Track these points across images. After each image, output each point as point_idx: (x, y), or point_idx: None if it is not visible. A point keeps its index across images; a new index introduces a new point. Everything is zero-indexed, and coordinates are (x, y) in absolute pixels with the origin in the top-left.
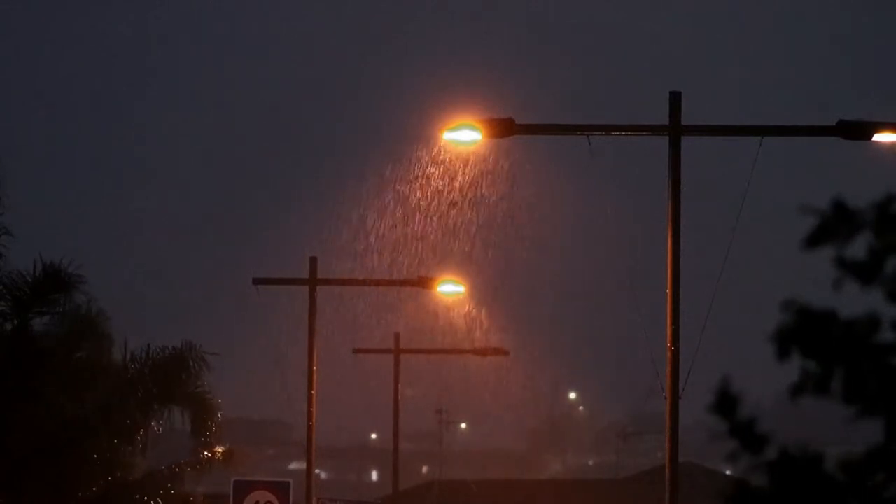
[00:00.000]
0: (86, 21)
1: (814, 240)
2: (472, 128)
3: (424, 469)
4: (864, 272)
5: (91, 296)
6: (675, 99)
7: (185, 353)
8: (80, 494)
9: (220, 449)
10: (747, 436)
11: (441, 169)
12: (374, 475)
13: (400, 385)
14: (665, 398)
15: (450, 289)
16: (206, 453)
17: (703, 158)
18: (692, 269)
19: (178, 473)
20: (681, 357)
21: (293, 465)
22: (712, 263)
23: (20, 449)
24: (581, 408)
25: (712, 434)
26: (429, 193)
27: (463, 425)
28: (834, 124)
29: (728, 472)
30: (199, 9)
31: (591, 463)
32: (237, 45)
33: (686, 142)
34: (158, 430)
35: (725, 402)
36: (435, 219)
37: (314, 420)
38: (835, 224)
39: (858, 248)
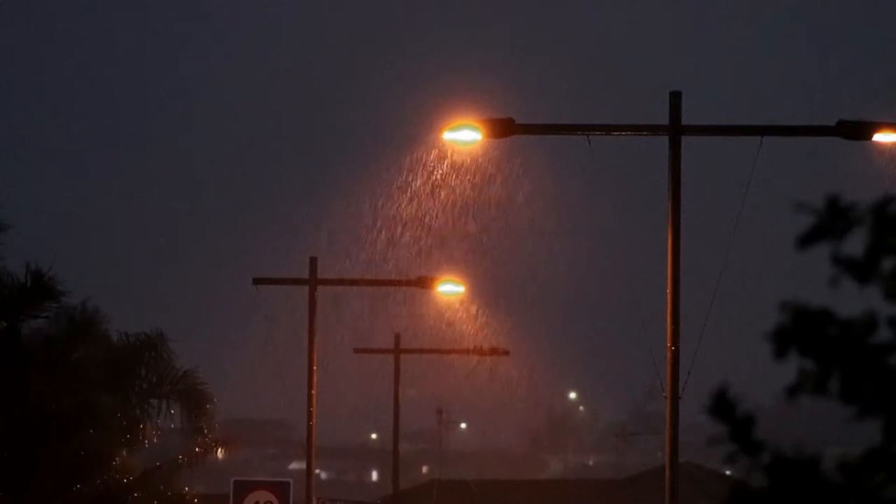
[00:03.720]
0: (88, 19)
1: (807, 238)
2: (473, 128)
3: (424, 469)
4: (862, 270)
5: (86, 299)
6: (675, 99)
7: (154, 339)
8: (72, 493)
9: (206, 426)
10: (745, 440)
11: (441, 169)
12: (374, 475)
13: (400, 385)
14: (665, 398)
15: (450, 289)
16: (199, 448)
17: (703, 158)
18: (692, 269)
19: (174, 470)
20: (681, 357)
21: (293, 465)
22: (713, 263)
23: (9, 448)
24: (581, 408)
25: (710, 439)
26: (429, 194)
27: (463, 425)
28: (834, 124)
29: (728, 473)
30: (199, 11)
31: (591, 463)
32: (238, 45)
33: (686, 142)
34: (155, 431)
35: (722, 407)
36: (435, 219)
37: (314, 420)
38: (829, 222)
39: (855, 245)
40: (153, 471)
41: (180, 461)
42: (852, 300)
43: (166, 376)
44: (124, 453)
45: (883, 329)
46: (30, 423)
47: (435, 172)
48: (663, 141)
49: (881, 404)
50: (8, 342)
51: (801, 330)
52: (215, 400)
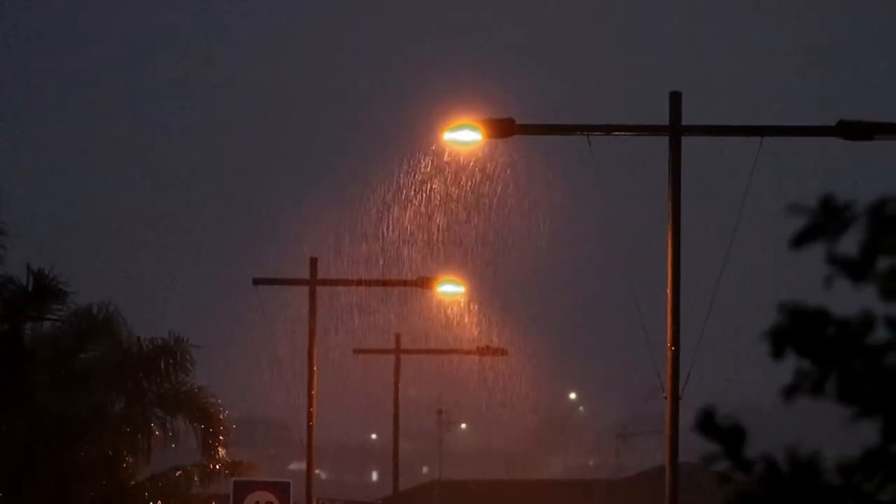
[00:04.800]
0: (88, 17)
1: (801, 239)
2: (473, 128)
3: (425, 469)
4: (857, 270)
5: (107, 299)
6: (675, 99)
7: (172, 346)
8: (78, 496)
9: (223, 454)
10: (736, 458)
11: (441, 169)
12: (374, 475)
13: (400, 385)
14: (665, 398)
15: (450, 289)
16: (214, 466)
17: (703, 158)
18: (693, 269)
19: (183, 480)
20: (681, 357)
21: (293, 466)
22: (713, 263)
23: (16, 451)
24: (581, 408)
25: (703, 457)
26: (429, 194)
27: (463, 425)
28: (834, 124)
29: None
30: (200, 11)
31: (591, 463)
32: (239, 44)
33: (686, 142)
34: (163, 439)
35: (709, 428)
36: (435, 219)
37: (314, 420)
38: (823, 222)
39: (850, 244)
40: (161, 475)
41: (190, 471)
42: (849, 300)
43: (178, 392)
44: (129, 459)
45: (880, 329)
46: (32, 425)
47: (435, 173)
48: (663, 141)
49: (879, 404)
50: (10, 344)
51: (797, 330)
52: (232, 426)
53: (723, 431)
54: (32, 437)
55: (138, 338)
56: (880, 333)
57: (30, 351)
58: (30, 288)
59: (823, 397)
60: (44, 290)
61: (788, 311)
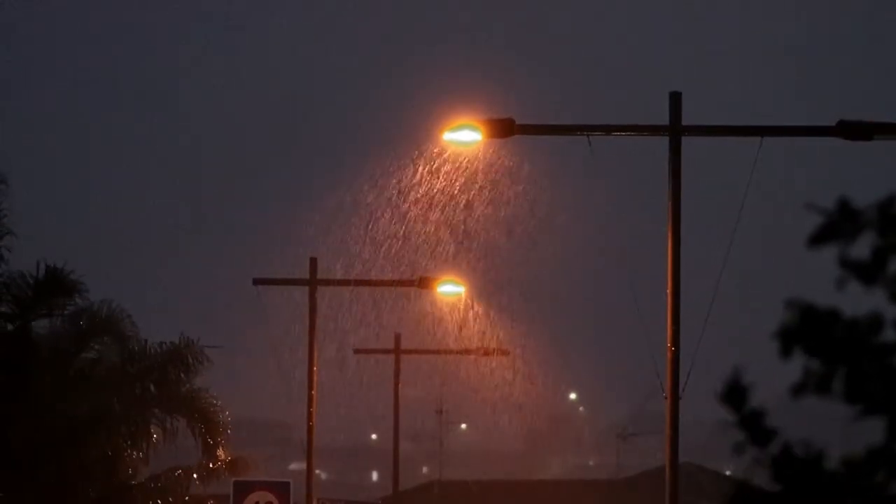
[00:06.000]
0: (89, 17)
1: (818, 238)
2: (473, 128)
3: (425, 469)
4: (868, 272)
5: (107, 298)
6: (675, 99)
7: (182, 350)
8: (79, 496)
9: (223, 454)
10: (755, 428)
11: (442, 169)
12: (375, 475)
13: (400, 385)
14: (665, 398)
15: (450, 289)
16: (210, 464)
17: (703, 158)
18: (693, 269)
19: (183, 479)
20: (681, 357)
21: (293, 466)
22: (713, 263)
23: (18, 450)
24: (581, 408)
25: (719, 422)
26: (429, 194)
27: (463, 425)
28: (834, 124)
29: (728, 473)
30: (200, 10)
31: (591, 463)
32: (239, 44)
33: (686, 142)
34: (163, 439)
35: (735, 393)
36: (436, 219)
37: (314, 420)
38: (839, 223)
39: (862, 247)
40: (160, 476)
41: (188, 472)
42: (857, 299)
43: (178, 394)
44: (130, 458)
45: (888, 329)
46: (34, 424)
47: (435, 173)
48: (663, 141)
49: (885, 404)
50: (17, 343)
51: (806, 329)
52: (228, 431)
53: (746, 399)
54: (35, 437)
55: (146, 341)
56: (889, 334)
57: (34, 350)
58: (42, 279)
59: (830, 396)
60: (58, 284)
61: (798, 310)
